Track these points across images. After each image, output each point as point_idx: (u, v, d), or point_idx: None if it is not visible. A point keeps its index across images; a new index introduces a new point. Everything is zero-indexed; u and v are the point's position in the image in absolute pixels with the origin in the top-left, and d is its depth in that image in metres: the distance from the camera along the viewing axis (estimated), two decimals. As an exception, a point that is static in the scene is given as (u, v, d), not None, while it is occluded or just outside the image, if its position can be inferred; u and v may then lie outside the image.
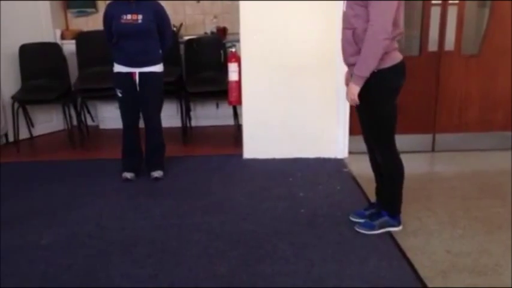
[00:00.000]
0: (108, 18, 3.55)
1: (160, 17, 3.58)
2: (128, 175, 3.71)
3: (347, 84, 2.79)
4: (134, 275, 2.50)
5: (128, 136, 3.72)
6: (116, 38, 3.52)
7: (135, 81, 3.56)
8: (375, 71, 2.57)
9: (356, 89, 2.60)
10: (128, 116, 3.68)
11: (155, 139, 3.77)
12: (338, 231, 2.90)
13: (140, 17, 3.47)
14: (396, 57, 2.63)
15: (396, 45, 2.65)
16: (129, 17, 3.46)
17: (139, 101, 3.64)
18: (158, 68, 3.64)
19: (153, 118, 3.71)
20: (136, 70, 3.55)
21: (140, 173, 3.79)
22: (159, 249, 2.75)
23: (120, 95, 3.63)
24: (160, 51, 3.66)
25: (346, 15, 2.64)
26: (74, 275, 2.51)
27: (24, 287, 2.43)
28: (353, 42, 2.61)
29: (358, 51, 2.58)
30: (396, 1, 2.52)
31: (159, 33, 3.61)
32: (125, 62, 3.55)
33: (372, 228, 2.85)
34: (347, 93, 2.68)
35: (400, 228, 2.87)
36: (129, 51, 3.51)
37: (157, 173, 3.76)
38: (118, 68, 3.60)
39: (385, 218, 2.86)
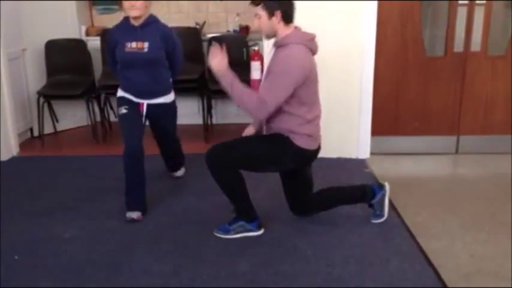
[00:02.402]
0: (111, 45, 3.19)
1: (168, 42, 3.20)
2: (134, 215, 3.04)
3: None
4: (156, 271, 2.52)
5: (131, 172, 3.07)
6: (120, 66, 3.19)
7: (142, 111, 3.21)
8: (286, 135, 2.61)
9: (220, 70, 2.50)
10: (133, 136, 3.09)
11: (172, 153, 3.65)
12: (359, 233, 2.88)
13: (146, 44, 3.08)
14: (310, 145, 2.66)
15: (318, 131, 2.68)
16: (134, 44, 3.08)
17: (154, 131, 3.43)
18: (168, 98, 3.31)
19: (169, 144, 3.57)
20: (144, 101, 3.21)
21: (146, 210, 3.16)
22: (180, 246, 2.77)
23: (124, 111, 3.16)
24: (171, 80, 3.34)
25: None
26: (96, 269, 2.55)
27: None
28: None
29: (272, 118, 2.63)
30: (293, 85, 2.50)
31: (168, 59, 3.25)
32: (131, 92, 3.20)
33: (227, 232, 2.84)
34: (215, 64, 2.51)
35: (259, 232, 2.86)
36: (135, 82, 3.15)
37: (178, 173, 3.79)
38: (123, 93, 3.24)
39: (241, 223, 2.85)
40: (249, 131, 2.90)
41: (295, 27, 2.62)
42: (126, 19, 3.15)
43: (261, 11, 2.54)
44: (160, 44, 3.14)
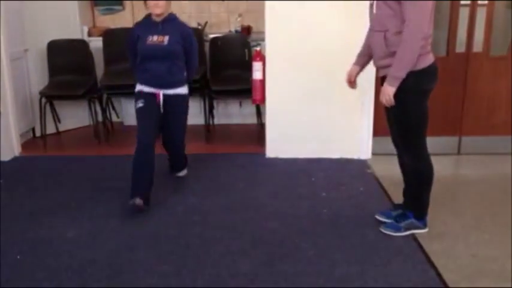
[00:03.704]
0: (133, 39, 3.43)
1: (187, 40, 3.44)
2: (136, 201, 3.11)
3: (350, 80, 2.92)
4: (157, 271, 2.52)
5: (139, 160, 3.21)
6: (141, 59, 3.40)
7: (159, 101, 3.40)
8: (408, 73, 2.55)
9: (392, 90, 2.57)
10: (147, 130, 3.30)
11: (174, 160, 3.75)
12: (361, 233, 2.88)
13: (166, 38, 3.34)
14: (429, 59, 2.61)
15: (429, 47, 2.62)
16: (155, 38, 3.34)
17: (162, 123, 3.46)
18: (183, 90, 3.50)
19: (175, 143, 3.62)
20: (160, 91, 3.40)
21: (149, 202, 3.22)
22: (182, 246, 2.77)
23: (141, 104, 3.37)
24: (185, 74, 3.52)
25: (378, 17, 2.62)
26: (98, 269, 2.55)
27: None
28: (384, 44, 2.59)
29: (389, 54, 2.57)
30: (432, 1, 2.50)
31: (185, 56, 3.47)
32: (149, 83, 3.40)
33: (398, 230, 2.83)
34: (382, 94, 2.64)
35: (426, 230, 2.85)
36: (153, 72, 3.37)
37: (181, 173, 3.81)
38: (141, 87, 3.43)
39: (411, 220, 2.83)
40: (354, 70, 2.91)
41: None
42: (148, 16, 3.42)
43: None
44: (179, 39, 3.39)
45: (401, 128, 2.73)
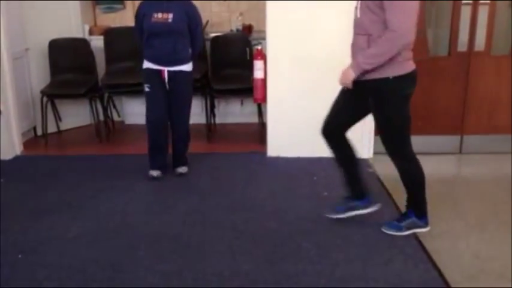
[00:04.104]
0: (140, 17, 3.56)
1: (191, 17, 3.56)
2: (154, 173, 3.67)
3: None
4: (159, 270, 2.52)
5: (153, 135, 3.64)
6: (146, 36, 3.53)
7: (164, 78, 3.55)
8: (390, 78, 2.55)
9: (352, 76, 2.61)
10: (154, 112, 3.59)
11: (180, 143, 3.79)
12: (362, 232, 2.87)
13: (171, 15, 3.46)
14: (411, 65, 2.62)
15: (411, 54, 2.62)
16: (159, 15, 3.46)
17: (168, 100, 3.62)
18: (187, 67, 3.62)
19: (181, 122, 3.71)
20: (165, 68, 3.54)
21: (166, 169, 3.75)
22: (183, 245, 2.77)
23: (147, 89, 3.58)
24: (190, 51, 3.63)
25: (361, 21, 2.61)
26: (100, 268, 2.55)
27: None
28: (367, 48, 2.57)
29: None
30: (417, 2, 2.48)
31: (190, 33, 3.58)
32: (154, 60, 3.54)
33: (400, 229, 2.82)
34: (343, 75, 2.66)
35: (427, 229, 2.84)
36: (158, 49, 3.51)
37: (182, 169, 3.80)
38: (147, 64, 3.58)
39: (413, 219, 2.82)
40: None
41: None
42: None
43: None
44: (184, 17, 3.51)
45: (387, 133, 2.72)
